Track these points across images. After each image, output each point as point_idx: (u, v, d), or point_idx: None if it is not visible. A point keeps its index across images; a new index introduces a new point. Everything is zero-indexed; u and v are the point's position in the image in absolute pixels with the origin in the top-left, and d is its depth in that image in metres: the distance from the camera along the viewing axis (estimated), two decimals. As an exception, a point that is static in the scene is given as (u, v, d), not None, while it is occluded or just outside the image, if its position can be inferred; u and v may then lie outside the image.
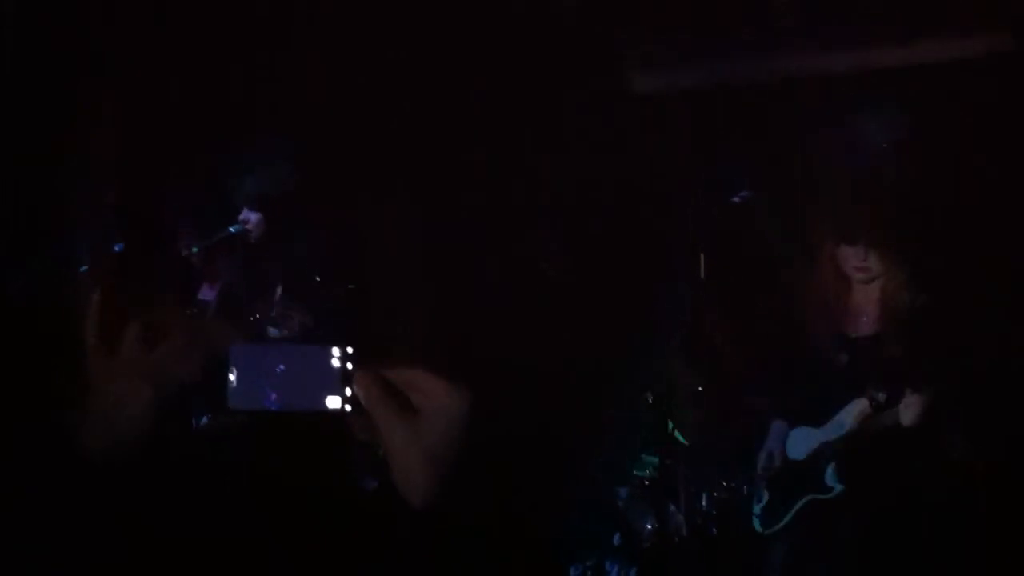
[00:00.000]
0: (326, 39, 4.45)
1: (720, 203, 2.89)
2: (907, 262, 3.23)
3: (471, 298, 4.37)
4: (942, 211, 3.45)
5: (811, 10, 4.30)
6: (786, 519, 3.31)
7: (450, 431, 1.03)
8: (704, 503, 3.68)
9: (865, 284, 3.30)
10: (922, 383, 3.01)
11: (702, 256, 2.83)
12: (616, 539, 3.77)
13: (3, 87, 4.05)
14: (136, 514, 1.06)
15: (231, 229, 3.69)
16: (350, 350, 1.08)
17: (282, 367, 1.08)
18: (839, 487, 3.20)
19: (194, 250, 3.74)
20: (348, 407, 1.07)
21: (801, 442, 3.35)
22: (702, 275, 2.83)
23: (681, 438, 3.77)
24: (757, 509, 3.43)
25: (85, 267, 3.91)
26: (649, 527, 3.71)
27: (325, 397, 1.08)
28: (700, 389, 3.69)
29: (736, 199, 2.89)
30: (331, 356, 1.08)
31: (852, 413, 3.21)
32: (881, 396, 3.13)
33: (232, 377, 1.07)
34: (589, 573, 3.73)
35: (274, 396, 1.08)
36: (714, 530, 3.65)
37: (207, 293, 4.07)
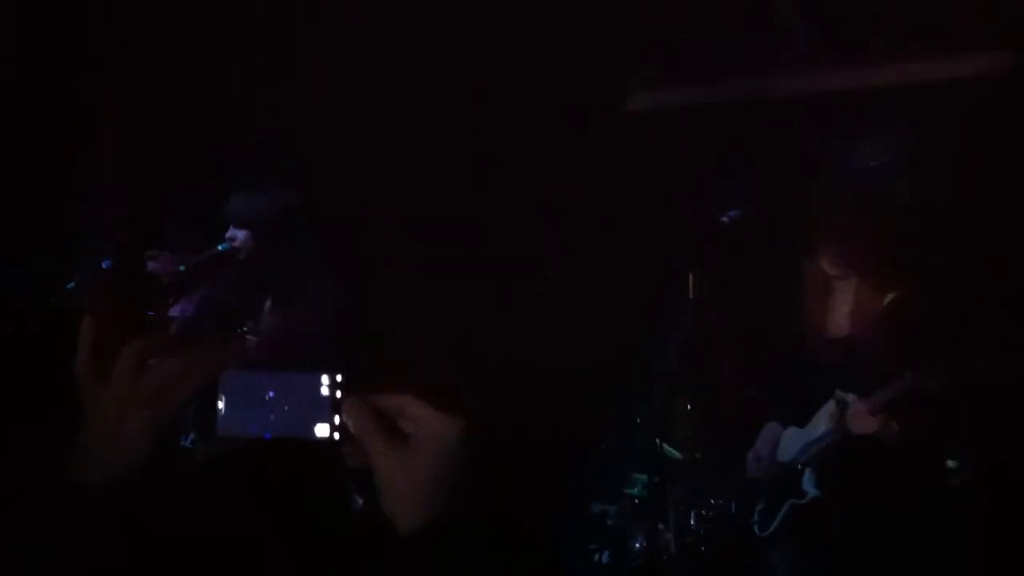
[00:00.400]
0: (326, 40, 4.46)
1: (710, 223, 2.90)
2: (884, 266, 3.25)
3: (468, 305, 4.37)
4: (918, 211, 3.48)
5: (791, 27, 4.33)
6: (775, 523, 3.32)
7: (439, 459, 1.03)
8: (693, 521, 3.68)
9: (842, 282, 3.32)
10: (879, 389, 3.02)
11: (691, 276, 2.84)
12: (605, 557, 3.76)
13: (3, 87, 4.05)
14: (130, 542, 1.06)
15: (219, 247, 3.68)
16: (339, 377, 1.08)
17: (272, 394, 1.08)
18: (813, 492, 3.20)
19: (181, 268, 3.72)
20: (337, 435, 1.07)
21: (790, 444, 3.37)
22: (691, 294, 2.84)
23: (671, 455, 3.77)
24: (756, 514, 3.43)
25: (72, 284, 3.90)
26: (638, 545, 3.71)
27: (314, 424, 1.07)
28: (689, 407, 3.70)
29: (725, 219, 2.90)
30: (320, 383, 1.08)
31: (825, 415, 3.23)
32: (849, 397, 3.15)
33: (221, 404, 1.07)
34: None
35: (263, 423, 1.08)
36: (703, 548, 3.64)
37: (176, 309, 4.07)
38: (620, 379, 3.91)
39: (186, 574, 1.21)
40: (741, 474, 3.48)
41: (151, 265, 4.02)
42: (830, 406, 3.22)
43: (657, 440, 3.65)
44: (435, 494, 1.02)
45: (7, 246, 4.17)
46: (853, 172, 3.53)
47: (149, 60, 4.32)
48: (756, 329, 3.67)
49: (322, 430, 1.07)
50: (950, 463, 3.05)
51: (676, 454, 3.80)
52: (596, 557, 3.76)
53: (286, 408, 1.08)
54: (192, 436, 2.74)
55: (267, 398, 1.07)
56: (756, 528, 3.38)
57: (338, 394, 1.07)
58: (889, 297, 3.23)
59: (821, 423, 3.25)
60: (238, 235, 3.68)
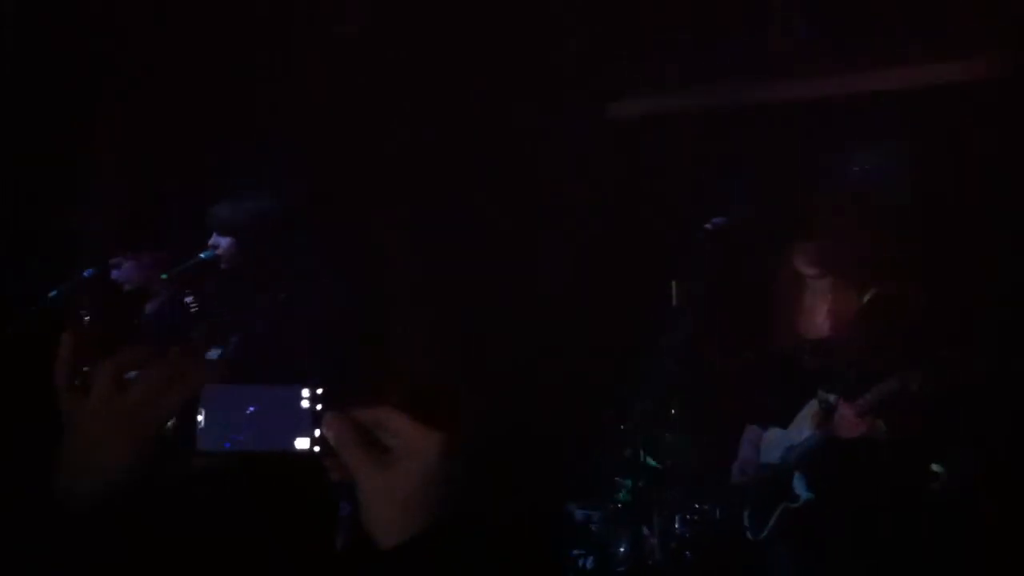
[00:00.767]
0: (325, 40, 4.46)
1: (695, 230, 2.91)
2: (861, 265, 3.25)
3: (464, 308, 4.38)
4: (900, 216, 3.50)
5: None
6: (768, 527, 3.32)
7: (419, 473, 1.02)
8: (678, 526, 3.68)
9: (821, 287, 3.32)
10: (865, 391, 3.03)
11: (674, 283, 2.84)
12: (590, 563, 3.76)
13: (3, 87, 4.04)
14: (114, 560, 1.05)
15: (202, 255, 3.66)
16: (320, 391, 1.08)
17: (252, 408, 1.07)
18: (806, 495, 3.20)
19: (164, 276, 3.70)
20: (317, 448, 1.06)
21: (773, 446, 3.37)
22: (675, 302, 2.84)
23: (654, 462, 3.77)
24: (746, 519, 3.42)
25: (54, 292, 3.88)
26: (623, 550, 3.71)
27: (295, 438, 1.07)
28: (673, 411, 3.71)
29: (709, 226, 2.91)
30: (301, 397, 1.08)
31: (808, 416, 3.24)
32: (831, 398, 3.15)
33: (201, 418, 1.07)
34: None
35: (243, 437, 1.07)
36: (688, 553, 3.65)
37: (152, 314, 4.06)
38: (606, 384, 3.92)
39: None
40: (726, 479, 3.48)
41: (114, 274, 4.01)
42: (812, 407, 3.23)
43: (642, 445, 3.65)
44: (415, 508, 1.01)
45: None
46: (833, 173, 3.54)
47: (149, 61, 4.32)
48: (737, 332, 3.68)
49: (303, 443, 1.07)
50: (935, 467, 3.05)
51: (660, 460, 3.81)
52: (580, 563, 3.76)
53: (267, 422, 1.07)
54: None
55: (247, 412, 1.07)
56: (748, 532, 3.38)
57: (319, 407, 1.07)
58: (867, 296, 3.22)
59: (804, 424, 3.25)
60: (221, 243, 3.67)
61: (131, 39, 4.32)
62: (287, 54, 4.51)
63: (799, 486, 3.22)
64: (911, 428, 3.05)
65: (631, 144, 4.65)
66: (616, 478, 3.79)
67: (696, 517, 3.66)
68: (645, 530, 3.66)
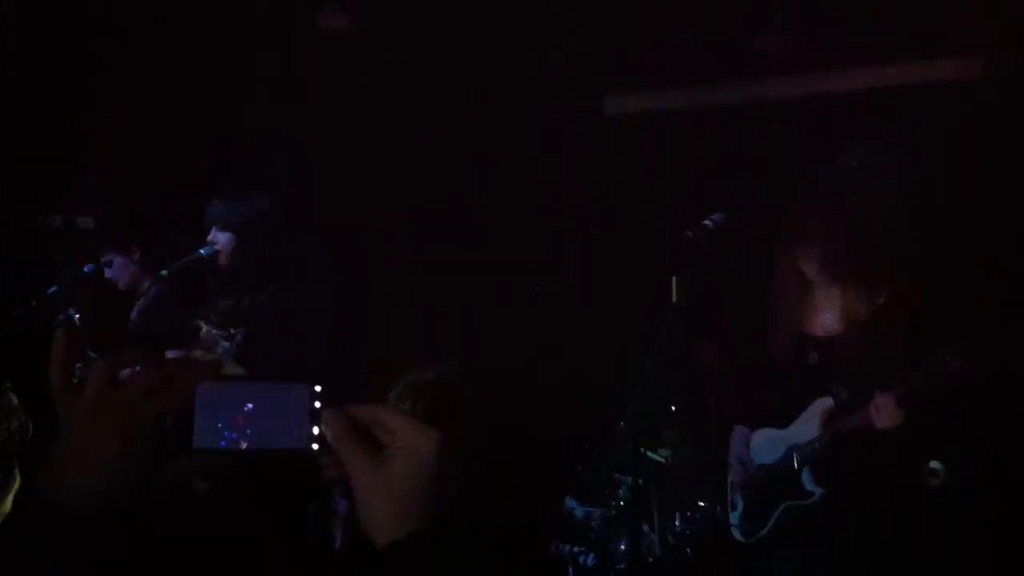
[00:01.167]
0: (325, 41, 4.46)
1: (693, 227, 2.90)
2: (866, 265, 3.25)
3: (462, 308, 4.38)
4: (901, 215, 3.49)
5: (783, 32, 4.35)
6: (767, 527, 3.31)
7: (415, 472, 1.01)
8: (677, 523, 3.68)
9: (827, 287, 3.32)
10: (891, 383, 3.01)
11: (674, 279, 2.83)
12: (590, 560, 3.76)
13: (3, 87, 4.04)
14: (115, 560, 1.04)
15: (201, 251, 3.66)
16: (318, 388, 1.07)
17: (249, 405, 1.07)
18: (818, 492, 3.19)
19: (163, 273, 3.70)
20: (316, 445, 1.06)
21: (768, 446, 3.36)
22: (674, 299, 2.83)
23: (655, 458, 3.77)
24: (735, 519, 3.42)
25: (53, 288, 3.88)
26: (623, 547, 3.71)
27: (292, 435, 1.07)
28: (673, 408, 3.71)
29: (708, 222, 2.90)
30: (299, 394, 1.07)
31: (816, 413, 3.23)
32: (845, 394, 3.14)
33: (198, 415, 1.06)
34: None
35: (240, 435, 1.07)
36: (687, 549, 3.65)
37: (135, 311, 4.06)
38: (606, 384, 3.92)
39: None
40: (724, 477, 3.48)
41: (107, 272, 4.01)
42: (819, 405, 3.22)
43: (642, 443, 3.65)
44: (411, 506, 1.01)
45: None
46: (835, 175, 3.54)
47: (148, 61, 4.32)
48: (737, 332, 3.67)
49: (300, 441, 1.06)
50: (935, 465, 3.04)
51: (660, 457, 3.81)
52: (581, 560, 3.76)
53: (264, 419, 1.07)
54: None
55: (245, 409, 1.07)
56: (739, 533, 3.37)
57: (317, 404, 1.07)
58: (882, 299, 3.21)
59: (809, 423, 3.24)
60: (219, 238, 3.67)
61: (131, 39, 4.32)
62: (286, 54, 4.51)
63: (808, 483, 3.21)
64: (926, 424, 3.02)
65: (630, 143, 4.65)
66: (616, 476, 3.79)
67: (696, 514, 3.66)
68: (645, 527, 3.66)
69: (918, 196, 3.78)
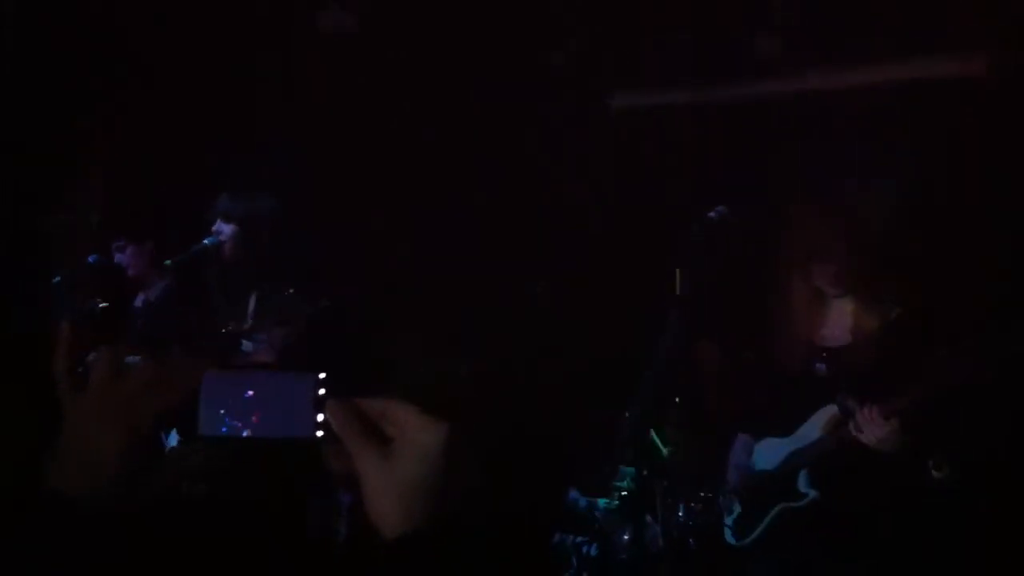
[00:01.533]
0: (325, 41, 4.46)
1: (697, 218, 2.90)
2: (878, 278, 3.25)
3: (464, 305, 4.38)
4: (903, 218, 3.49)
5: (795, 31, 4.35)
6: (759, 529, 3.31)
7: (421, 464, 1.01)
8: (681, 514, 3.67)
9: (838, 299, 3.32)
10: (891, 396, 3.02)
11: (678, 272, 2.84)
12: (593, 550, 3.76)
13: (3, 87, 4.04)
14: (116, 556, 1.04)
15: (205, 242, 3.67)
16: (323, 377, 1.08)
17: (253, 394, 1.08)
18: (812, 493, 3.20)
19: (167, 262, 3.71)
20: (319, 433, 1.06)
21: (770, 454, 3.36)
22: (678, 291, 2.84)
23: (659, 448, 3.77)
24: (729, 521, 3.43)
25: (58, 278, 3.89)
26: (626, 538, 3.71)
27: (297, 424, 1.07)
28: (678, 400, 3.70)
29: (712, 214, 2.90)
30: (304, 383, 1.08)
31: (820, 422, 3.23)
32: (851, 404, 3.15)
33: (202, 404, 1.07)
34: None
35: (245, 423, 1.07)
36: (691, 541, 3.64)
37: (138, 300, 4.06)
38: (611, 374, 3.92)
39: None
40: (723, 478, 3.49)
41: (118, 257, 4.01)
42: (823, 414, 3.22)
43: (645, 433, 3.65)
44: (417, 499, 1.00)
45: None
46: (841, 181, 3.53)
47: (148, 61, 4.32)
48: (737, 331, 3.67)
49: (305, 429, 1.07)
50: (934, 471, 3.04)
51: (664, 447, 3.80)
52: (584, 550, 3.76)
53: (269, 408, 1.07)
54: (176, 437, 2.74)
55: (249, 398, 1.07)
56: (731, 535, 3.38)
57: (321, 392, 1.07)
58: (894, 313, 3.21)
59: (813, 431, 3.25)
60: (224, 229, 3.68)
61: (131, 39, 4.33)
62: (286, 54, 4.52)
63: (803, 485, 3.21)
64: (925, 433, 3.03)
65: (630, 143, 4.65)
66: (620, 466, 3.79)
67: (699, 506, 3.65)
68: (648, 518, 3.66)
69: (919, 197, 3.78)
